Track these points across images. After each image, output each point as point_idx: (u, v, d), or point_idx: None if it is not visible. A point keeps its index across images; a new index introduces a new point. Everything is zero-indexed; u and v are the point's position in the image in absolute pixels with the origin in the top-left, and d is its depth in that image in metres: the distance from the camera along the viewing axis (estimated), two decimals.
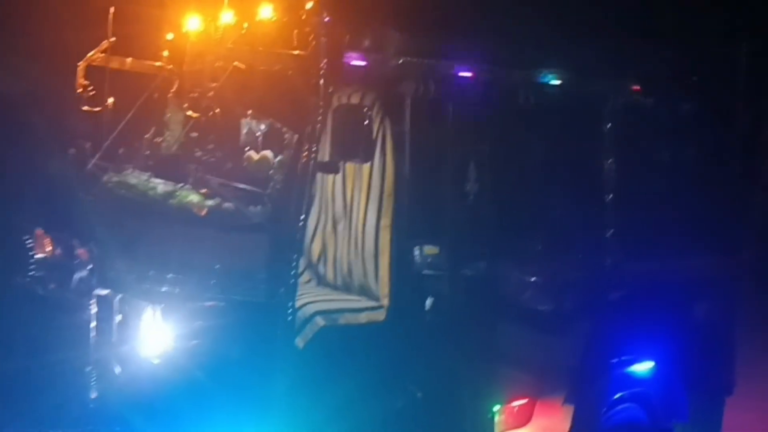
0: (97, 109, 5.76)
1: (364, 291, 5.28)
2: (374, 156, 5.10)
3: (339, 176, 5.41)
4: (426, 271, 5.33)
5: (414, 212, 5.27)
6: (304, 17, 4.81)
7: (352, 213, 5.41)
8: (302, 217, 4.91)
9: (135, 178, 5.37)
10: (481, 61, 5.53)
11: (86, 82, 5.88)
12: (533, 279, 5.88)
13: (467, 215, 5.44)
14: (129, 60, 5.92)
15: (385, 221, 5.21)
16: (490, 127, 5.50)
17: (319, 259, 5.83)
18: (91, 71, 5.87)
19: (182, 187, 5.19)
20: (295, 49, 4.86)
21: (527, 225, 5.77)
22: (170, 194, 5.12)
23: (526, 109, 5.77)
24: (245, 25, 5.36)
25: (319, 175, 5.15)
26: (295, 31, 4.89)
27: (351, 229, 5.44)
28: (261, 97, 5.39)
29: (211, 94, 5.04)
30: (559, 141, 5.84)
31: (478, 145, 5.55)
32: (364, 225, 5.32)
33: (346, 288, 5.44)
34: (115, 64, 5.91)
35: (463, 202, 5.42)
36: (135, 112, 5.82)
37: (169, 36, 5.69)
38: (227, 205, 5.02)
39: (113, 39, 5.87)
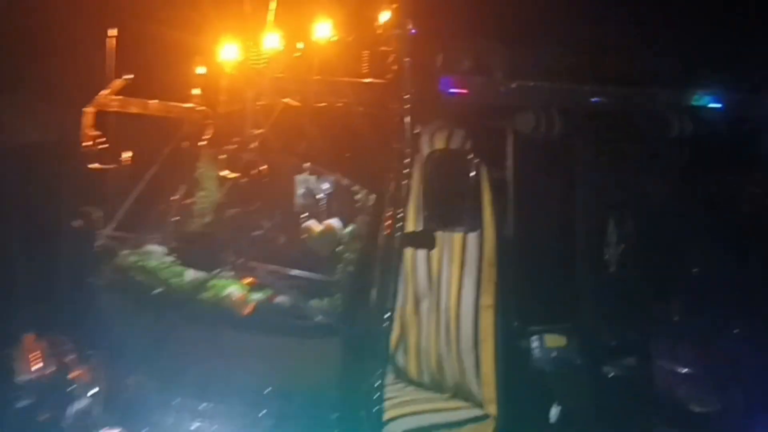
0: (110, 166, 4.69)
1: (462, 393, 4.44)
2: (475, 214, 4.00)
3: None
4: (548, 368, 4.32)
5: (528, 288, 4.26)
6: (379, 32, 3.79)
7: (441, 288, 4.52)
8: (386, 313, 3.51)
9: (156, 259, 3.99)
10: (624, 83, 4.31)
11: (96, 132, 4.75)
12: (693, 372, 4.75)
13: (605, 292, 4.42)
14: (150, 102, 4.93)
15: (487, 300, 4.29)
16: (636, 172, 4.48)
17: (397, 348, 4.78)
18: (101, 118, 4.83)
19: (218, 273, 3.85)
20: (369, 76, 3.89)
21: (687, 303, 4.83)
22: (202, 284, 3.80)
23: (685, 145, 4.57)
24: (299, 47, 4.01)
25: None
26: (368, 52, 3.94)
27: (439, 310, 4.54)
28: (323, 145, 4.12)
29: (254, 143, 3.64)
30: (728, 188, 4.86)
31: (621, 196, 4.45)
32: (457, 305, 4.42)
33: (436, 387, 4.58)
34: (132, 107, 4.91)
35: (600, 274, 4.41)
36: (158, 170, 4.75)
37: (201, 69, 4.71)
38: (281, 298, 3.74)
39: (130, 76, 4.84)
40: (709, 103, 4.58)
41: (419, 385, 4.63)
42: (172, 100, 4.91)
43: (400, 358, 4.76)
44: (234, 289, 3.70)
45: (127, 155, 4.76)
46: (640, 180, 4.47)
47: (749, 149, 4.82)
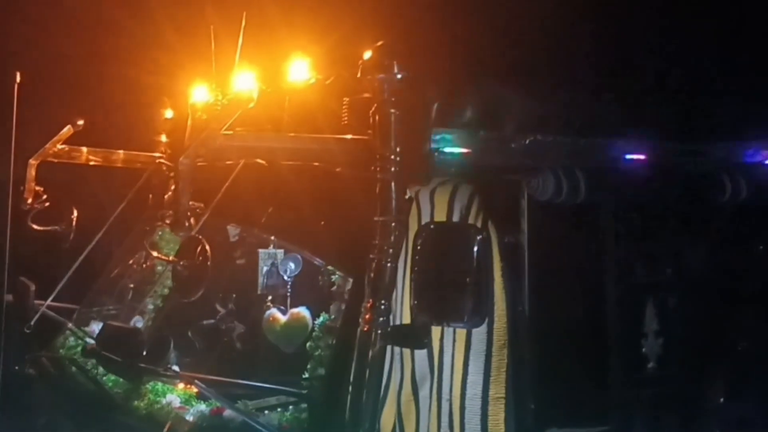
0: (52, 228, 4.08)
1: None
2: (480, 305, 3.31)
3: None
4: None
5: (547, 380, 3.59)
6: (359, 74, 3.09)
7: (443, 374, 3.80)
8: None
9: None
10: (666, 136, 3.59)
11: (38, 188, 4.15)
12: None
13: (641, 392, 3.68)
14: (105, 152, 4.38)
15: (497, 390, 3.62)
16: (681, 245, 3.75)
17: None
18: (45, 171, 4.26)
19: (157, 375, 2.98)
20: (348, 131, 3.21)
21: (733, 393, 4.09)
22: (137, 388, 2.92)
23: (738, 210, 3.83)
24: (264, 94, 3.33)
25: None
26: (347, 101, 3.24)
27: (441, 399, 3.81)
28: (291, 215, 3.29)
29: (200, 210, 2.91)
30: None
31: (661, 274, 3.71)
32: (462, 395, 3.71)
33: None
34: (84, 158, 4.36)
35: (635, 369, 3.67)
36: (106, 235, 3.99)
37: (168, 113, 4.05)
38: (229, 413, 2.91)
39: (80, 122, 4.28)
40: (766, 159, 3.87)
41: None
42: (133, 149, 4.34)
43: None
44: (174, 398, 2.95)
45: (73, 215, 4.15)
46: (686, 254, 3.76)
47: None
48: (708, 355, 4.09)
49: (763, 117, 3.94)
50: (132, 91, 4.66)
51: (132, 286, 3.89)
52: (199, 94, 3.84)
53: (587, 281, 3.71)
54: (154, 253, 3.00)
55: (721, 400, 4.36)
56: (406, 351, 4.12)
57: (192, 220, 2.70)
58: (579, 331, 3.69)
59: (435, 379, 3.90)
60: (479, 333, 3.68)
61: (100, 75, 4.75)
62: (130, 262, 3.95)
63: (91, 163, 4.47)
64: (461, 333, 3.82)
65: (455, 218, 3.54)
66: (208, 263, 2.66)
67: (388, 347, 4.09)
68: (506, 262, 3.57)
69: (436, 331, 3.92)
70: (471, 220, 3.61)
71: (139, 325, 3.81)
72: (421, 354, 4.01)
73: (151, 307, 3.88)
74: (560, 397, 3.63)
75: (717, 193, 3.74)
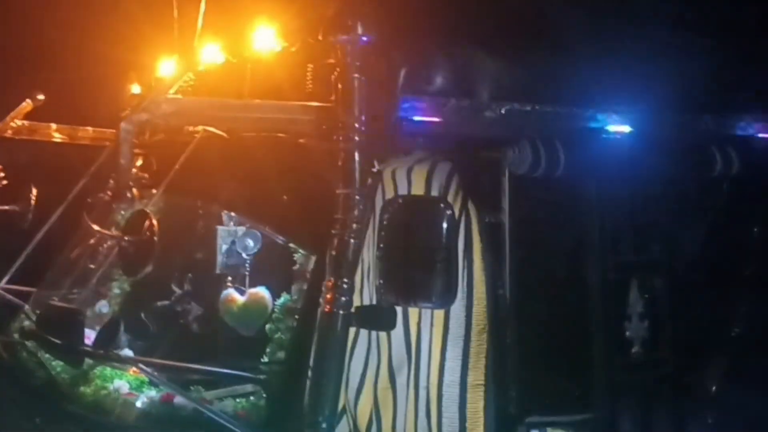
0: (10, 207, 3.91)
1: None
2: (451, 284, 3.26)
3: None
4: None
5: (528, 366, 3.42)
6: (321, 38, 2.91)
7: (420, 361, 3.62)
8: (325, 421, 2.62)
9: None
10: (652, 107, 3.41)
11: None
12: None
13: (626, 378, 3.49)
14: (66, 128, 4.21)
15: (475, 377, 3.44)
16: (668, 221, 3.54)
17: (368, 429, 3.86)
18: (3, 148, 4.14)
19: (105, 359, 2.81)
20: (312, 98, 3.08)
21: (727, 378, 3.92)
22: (84, 373, 2.75)
23: (729, 185, 3.66)
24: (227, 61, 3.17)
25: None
26: (312, 67, 3.13)
27: (418, 387, 3.65)
28: (252, 189, 3.11)
29: (132, 189, 2.74)
30: None
31: (648, 252, 3.49)
32: (439, 382, 3.53)
33: None
34: (43, 134, 4.22)
35: (619, 354, 3.47)
36: (69, 214, 3.82)
37: (135, 89, 3.81)
38: (181, 399, 2.73)
39: (40, 97, 4.13)
40: (759, 132, 3.70)
41: None
42: (97, 125, 4.15)
43: None
44: (122, 384, 2.76)
45: (32, 193, 3.96)
46: (671, 230, 3.55)
47: None
48: (699, 339, 3.97)
49: (756, 88, 3.77)
50: (97, 65, 4.50)
51: (93, 267, 3.70)
52: (165, 67, 3.70)
53: (570, 262, 3.51)
54: (95, 227, 2.81)
55: (714, 387, 4.23)
56: (383, 338, 3.97)
57: (135, 191, 2.53)
58: (562, 315, 3.50)
59: (412, 366, 3.73)
60: (457, 317, 3.51)
61: (63, 47, 4.57)
62: (91, 242, 3.76)
63: (54, 140, 4.33)
64: (439, 317, 3.66)
65: None
66: (155, 239, 2.48)
67: (365, 334, 4.00)
68: (486, 243, 3.37)
69: (413, 316, 3.76)
70: (450, 200, 3.42)
71: (105, 310, 3.64)
72: (398, 340, 3.87)
73: (117, 291, 3.71)
74: (542, 383, 3.46)
75: (706, 167, 3.56)
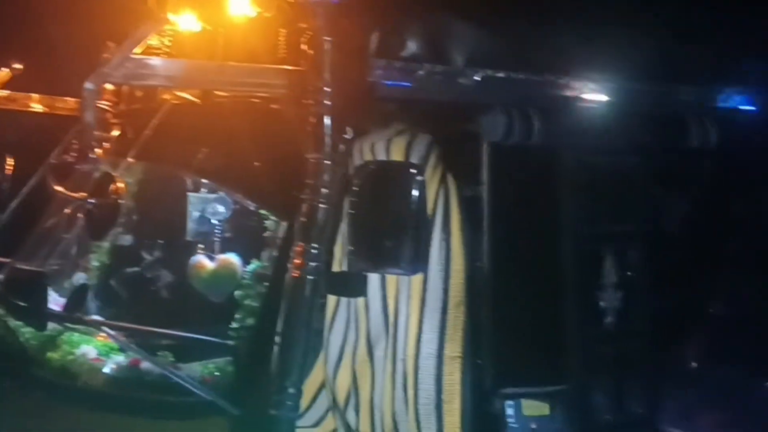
0: None
1: None
2: (431, 244, 3.28)
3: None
4: None
5: (504, 338, 3.40)
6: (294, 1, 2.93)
7: (397, 333, 3.61)
8: (293, 387, 2.65)
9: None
10: (629, 77, 3.36)
11: None
12: None
13: (600, 348, 3.47)
14: (41, 97, 4.17)
15: (452, 349, 3.43)
16: (644, 192, 3.51)
17: (347, 401, 3.88)
18: None
19: (73, 324, 2.79)
20: (285, 62, 3.02)
21: (704, 353, 3.97)
22: (50, 339, 2.72)
23: (707, 157, 3.64)
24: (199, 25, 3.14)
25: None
26: (285, 31, 3.07)
27: (396, 359, 3.63)
28: (223, 155, 3.07)
29: (97, 150, 2.70)
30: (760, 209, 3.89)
31: (623, 224, 3.49)
32: (416, 354, 3.53)
33: None
34: (19, 103, 4.16)
35: (593, 325, 3.45)
36: (43, 179, 3.70)
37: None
38: (148, 364, 2.65)
39: (18, 66, 4.09)
40: (740, 104, 3.66)
41: None
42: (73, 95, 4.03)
43: (350, 415, 3.78)
44: (89, 349, 2.74)
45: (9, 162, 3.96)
46: (649, 202, 3.53)
47: None
48: (676, 314, 3.96)
49: (737, 60, 3.74)
50: (76, 35, 4.44)
51: (68, 236, 3.66)
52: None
53: (547, 233, 3.47)
54: (58, 189, 2.78)
55: (693, 363, 4.23)
56: (361, 311, 3.94)
57: (99, 152, 2.50)
58: (538, 286, 3.48)
59: (390, 339, 3.70)
60: (435, 289, 3.48)
61: (42, 15, 4.52)
62: (66, 210, 3.73)
63: (33, 110, 4.29)
64: (416, 290, 3.61)
65: None
66: (121, 202, 2.45)
67: (344, 307, 3.98)
68: (465, 215, 3.35)
69: (391, 288, 3.73)
70: (429, 172, 3.40)
71: (83, 282, 3.61)
72: (376, 313, 3.82)
73: (96, 263, 3.67)
74: (518, 355, 3.43)
75: (683, 139, 3.54)
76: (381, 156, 3.47)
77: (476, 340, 3.42)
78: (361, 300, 3.86)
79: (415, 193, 2.77)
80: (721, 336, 4.05)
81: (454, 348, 3.44)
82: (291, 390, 2.64)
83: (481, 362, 3.41)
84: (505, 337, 3.44)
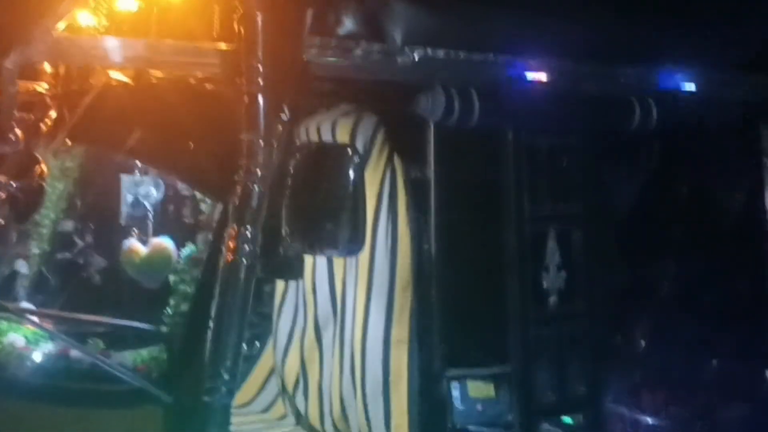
0: None
1: None
2: (377, 226, 3.26)
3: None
4: (472, 426, 3.41)
5: (450, 321, 3.39)
6: None
7: (345, 317, 3.61)
8: (228, 375, 2.62)
9: None
10: (571, 57, 3.32)
11: None
12: (661, 422, 3.83)
13: (544, 328, 3.46)
14: None
15: (399, 333, 3.43)
16: (583, 173, 3.47)
17: (296, 387, 3.88)
18: None
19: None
20: (215, 39, 2.93)
21: (651, 333, 3.96)
22: None
23: (648, 138, 3.63)
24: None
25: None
26: (215, 8, 2.95)
27: (343, 344, 3.63)
28: (156, 136, 2.97)
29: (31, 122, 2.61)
30: (702, 190, 3.90)
31: (563, 204, 3.45)
32: (363, 338, 3.51)
33: None
34: None
35: (537, 305, 3.44)
36: None
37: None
38: (77, 353, 2.57)
39: None
40: (680, 85, 3.64)
41: None
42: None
43: (300, 401, 3.80)
44: (17, 337, 2.64)
45: None
46: (592, 183, 3.50)
47: (729, 142, 3.90)
48: (620, 295, 3.94)
49: (677, 40, 3.73)
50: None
51: (2, 222, 3.54)
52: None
53: (492, 216, 3.45)
54: None
55: (642, 343, 4.24)
56: (309, 295, 3.87)
57: (19, 133, 2.39)
58: (484, 268, 3.45)
59: (338, 323, 3.69)
60: (381, 273, 3.46)
61: None
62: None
63: None
64: (363, 273, 3.56)
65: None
66: (45, 184, 2.36)
67: (293, 293, 3.91)
68: (412, 197, 3.32)
69: (339, 272, 3.69)
70: (375, 154, 3.35)
71: (24, 270, 3.49)
72: (323, 297, 3.74)
73: (36, 251, 3.56)
74: (464, 337, 3.41)
75: (625, 119, 3.52)
76: (327, 137, 3.43)
77: (423, 323, 3.39)
78: (309, 284, 3.82)
79: (351, 174, 2.71)
80: (666, 316, 4.08)
81: (401, 331, 3.43)
82: (225, 376, 2.56)
83: (428, 345, 3.39)
84: (452, 320, 3.42)
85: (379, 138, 3.32)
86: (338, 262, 3.65)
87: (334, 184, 2.68)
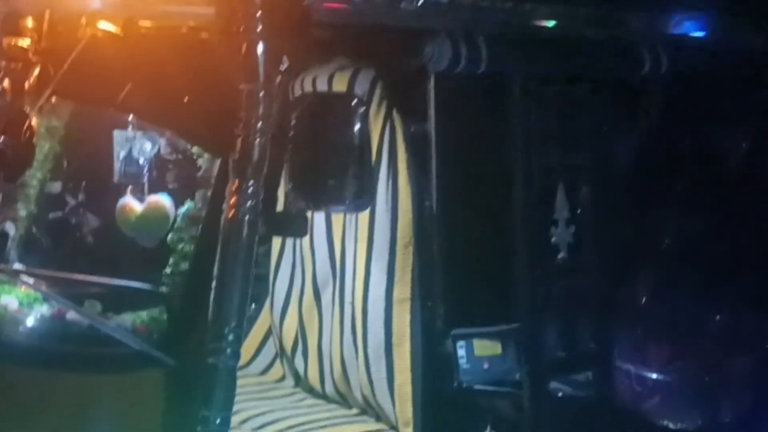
0: None
1: (371, 410, 3.54)
2: (377, 181, 3.20)
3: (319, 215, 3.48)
4: (478, 384, 3.36)
5: (454, 278, 3.30)
6: None
7: (345, 277, 3.59)
8: (232, 336, 2.52)
9: None
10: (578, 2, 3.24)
11: None
12: (666, 378, 3.78)
13: (552, 285, 3.40)
14: None
15: (401, 292, 3.36)
16: (593, 123, 3.39)
17: (294, 349, 3.87)
18: None
19: None
20: None
21: (656, 288, 3.86)
22: None
23: (657, 87, 3.53)
24: None
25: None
26: None
27: (344, 303, 3.61)
28: (150, 89, 2.89)
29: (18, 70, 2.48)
30: (711, 142, 3.83)
31: (572, 156, 3.37)
32: (364, 297, 3.49)
33: (341, 400, 3.67)
34: None
35: (545, 261, 3.37)
36: None
37: None
38: (74, 315, 2.51)
39: None
40: (690, 30, 3.54)
41: (322, 396, 3.70)
42: None
43: (299, 362, 3.80)
44: (10, 300, 2.54)
45: None
46: (598, 134, 3.42)
47: (739, 92, 3.76)
48: (626, 249, 3.88)
49: None
50: None
51: None
52: None
53: (497, 168, 3.34)
54: None
55: (644, 299, 4.18)
56: (307, 255, 3.80)
57: (6, 85, 2.26)
58: (489, 223, 3.35)
59: (337, 283, 3.64)
60: (382, 230, 3.39)
61: None
62: None
63: None
64: (363, 231, 3.47)
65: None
66: (35, 141, 2.23)
67: (290, 252, 3.81)
68: (412, 152, 3.23)
69: (337, 230, 3.60)
70: (373, 108, 3.24)
71: (11, 233, 3.38)
72: (322, 256, 3.68)
73: (23, 213, 3.44)
74: (469, 295, 3.33)
75: (634, 66, 3.41)
76: (323, 90, 3.31)
77: (426, 282, 3.33)
78: (306, 244, 3.74)
79: (357, 125, 2.60)
80: (671, 269, 4.02)
81: (403, 290, 3.36)
82: (230, 337, 2.47)
83: (431, 303, 3.32)
84: (455, 277, 3.34)
85: (378, 91, 3.23)
86: (337, 221, 3.59)
87: (339, 136, 2.57)
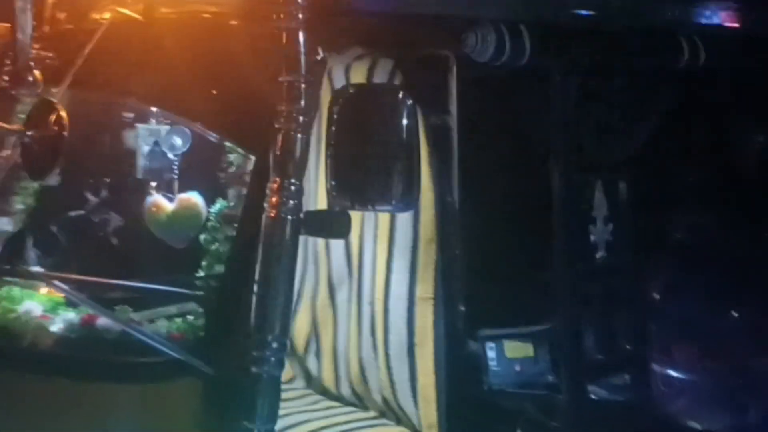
0: None
1: (392, 413, 3.46)
2: (411, 184, 2.85)
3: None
4: (509, 386, 3.28)
5: (482, 277, 3.20)
6: None
7: (363, 275, 3.50)
8: (276, 342, 2.41)
9: None
10: None
11: None
12: (693, 378, 3.69)
13: (588, 285, 3.27)
14: None
15: (424, 290, 3.27)
16: (632, 118, 3.30)
17: (307, 349, 3.78)
18: None
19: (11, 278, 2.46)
20: None
21: (688, 287, 3.72)
22: None
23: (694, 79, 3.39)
24: None
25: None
26: None
27: (362, 303, 3.52)
28: (178, 81, 2.72)
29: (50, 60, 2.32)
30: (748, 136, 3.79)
31: (611, 152, 3.26)
32: (385, 296, 3.40)
33: (359, 402, 3.58)
34: None
35: (582, 261, 3.26)
36: None
37: None
38: (104, 321, 2.36)
39: None
40: (724, 21, 3.46)
41: (337, 398, 3.59)
42: None
43: (311, 363, 3.70)
44: (34, 305, 2.38)
45: None
46: (636, 129, 3.31)
47: None
48: (664, 248, 3.82)
49: None
50: None
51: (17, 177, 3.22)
52: None
53: (528, 164, 3.27)
54: None
55: (673, 299, 4.11)
56: (322, 252, 3.69)
57: (37, 74, 2.10)
58: (517, 221, 3.28)
59: (354, 282, 3.52)
60: (404, 227, 3.30)
61: None
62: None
63: None
64: (383, 228, 3.37)
65: None
66: (65, 134, 2.07)
67: (301, 247, 3.69)
68: (433, 146, 3.10)
69: (355, 227, 3.47)
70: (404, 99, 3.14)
71: (8, 228, 3.21)
72: (338, 254, 3.57)
73: (20, 206, 3.27)
74: (496, 294, 3.23)
75: (675, 56, 3.32)
76: (340, 81, 3.19)
77: (450, 280, 3.20)
78: (322, 241, 3.63)
79: (405, 119, 2.46)
80: (701, 270, 3.98)
81: (426, 289, 3.25)
82: (274, 345, 2.33)
83: (457, 302, 3.20)
84: (479, 276, 3.23)
85: (397, 82, 3.12)
86: (354, 218, 3.57)
87: (386, 131, 2.42)
